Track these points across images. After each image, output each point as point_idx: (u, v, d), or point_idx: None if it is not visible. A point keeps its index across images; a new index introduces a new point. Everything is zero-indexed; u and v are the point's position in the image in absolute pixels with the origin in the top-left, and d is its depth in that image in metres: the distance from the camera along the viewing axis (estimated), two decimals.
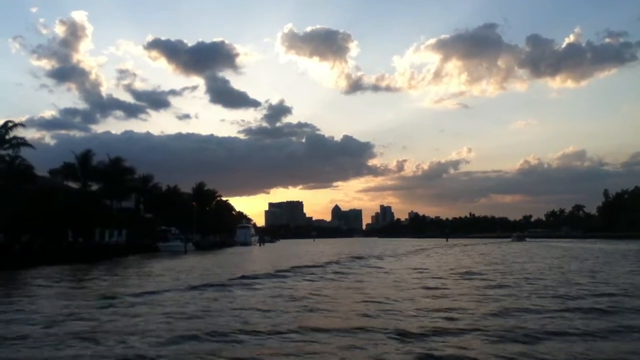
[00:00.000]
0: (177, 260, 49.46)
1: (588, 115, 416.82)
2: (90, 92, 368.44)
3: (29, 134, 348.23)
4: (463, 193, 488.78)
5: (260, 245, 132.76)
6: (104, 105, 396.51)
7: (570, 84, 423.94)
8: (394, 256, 54.51)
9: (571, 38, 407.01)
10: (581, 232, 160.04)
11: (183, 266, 39.71)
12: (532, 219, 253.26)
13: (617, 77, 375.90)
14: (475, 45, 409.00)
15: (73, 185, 70.91)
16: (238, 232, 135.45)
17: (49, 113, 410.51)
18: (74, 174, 69.44)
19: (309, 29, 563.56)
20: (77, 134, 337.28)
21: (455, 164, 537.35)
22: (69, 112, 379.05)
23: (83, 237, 56.74)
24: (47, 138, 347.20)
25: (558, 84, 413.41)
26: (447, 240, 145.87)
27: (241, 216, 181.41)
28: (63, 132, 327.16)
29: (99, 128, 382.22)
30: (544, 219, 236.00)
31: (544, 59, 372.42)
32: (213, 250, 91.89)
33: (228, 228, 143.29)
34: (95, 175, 71.22)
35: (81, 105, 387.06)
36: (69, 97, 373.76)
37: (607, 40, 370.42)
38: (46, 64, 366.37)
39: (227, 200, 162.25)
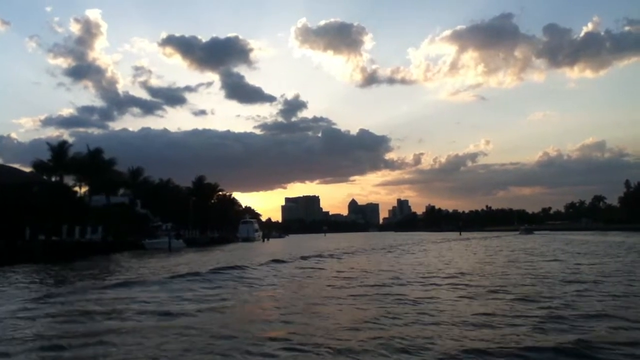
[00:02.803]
0: (138, 262, 44.12)
1: (608, 106, 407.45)
2: (107, 90, 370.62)
3: (48, 132, 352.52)
4: (481, 186, 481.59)
5: (264, 241, 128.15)
6: (121, 103, 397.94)
7: (589, 73, 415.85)
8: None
9: (589, 27, 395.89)
10: (602, 224, 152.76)
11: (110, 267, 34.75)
12: (551, 211, 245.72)
13: (638, 66, 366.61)
14: (492, 35, 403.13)
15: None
16: (240, 227, 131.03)
17: (67, 111, 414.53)
18: (48, 166, 65.23)
19: (322, 22, 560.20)
20: (95, 131, 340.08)
21: (473, 156, 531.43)
22: (87, 109, 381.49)
23: (46, 234, 52.14)
24: (66, 136, 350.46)
25: (576, 74, 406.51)
26: (460, 234, 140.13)
27: (248, 211, 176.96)
28: (81, 130, 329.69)
29: (116, 125, 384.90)
30: (563, 210, 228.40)
31: (561, 48, 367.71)
32: (207, 247, 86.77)
33: (232, 223, 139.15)
34: (72, 167, 66.91)
35: (98, 102, 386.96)
36: (86, 95, 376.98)
37: (627, 28, 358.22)
38: (62, 63, 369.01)
39: (230, 195, 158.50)
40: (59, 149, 66.11)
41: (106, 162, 70.73)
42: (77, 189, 72.26)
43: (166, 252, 62.07)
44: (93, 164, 68.03)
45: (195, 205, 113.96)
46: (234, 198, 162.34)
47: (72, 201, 60.52)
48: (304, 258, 40.79)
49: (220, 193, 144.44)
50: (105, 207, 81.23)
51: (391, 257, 42.26)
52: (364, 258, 42.64)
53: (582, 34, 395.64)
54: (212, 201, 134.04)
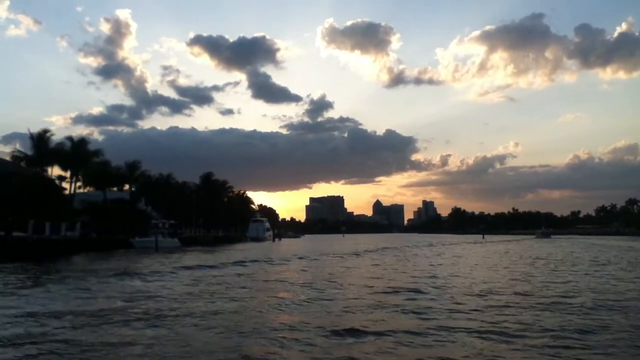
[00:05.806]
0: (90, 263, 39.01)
1: None
2: (136, 89, 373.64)
3: (79, 130, 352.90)
4: (509, 188, 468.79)
5: (274, 241, 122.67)
6: (150, 102, 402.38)
7: (622, 75, 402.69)
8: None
9: (623, 27, 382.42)
10: (635, 229, 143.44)
11: None
12: (581, 215, 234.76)
13: None
14: (522, 36, 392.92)
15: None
16: (250, 226, 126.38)
17: (97, 110, 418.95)
18: (26, 156, 60.73)
19: (349, 22, 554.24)
20: (124, 129, 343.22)
21: (501, 158, 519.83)
22: (116, 108, 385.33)
23: (7, 230, 47.23)
24: (96, 134, 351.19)
25: (609, 75, 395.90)
26: (483, 237, 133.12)
27: (262, 210, 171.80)
28: (111, 128, 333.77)
29: (145, 124, 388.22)
30: (593, 214, 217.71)
31: (594, 49, 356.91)
32: (208, 246, 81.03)
33: (244, 222, 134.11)
34: (53, 158, 62.32)
35: (127, 101, 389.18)
36: (116, 94, 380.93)
37: None
38: (92, 62, 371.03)
39: (244, 193, 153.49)
40: (39, 138, 61.46)
41: (90, 153, 65.79)
42: (78, 183, 68.66)
43: (150, 253, 56.74)
44: (76, 154, 63.16)
45: (201, 203, 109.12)
46: (247, 196, 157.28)
47: (48, 194, 55.43)
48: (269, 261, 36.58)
49: (234, 191, 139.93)
50: (103, 202, 76.83)
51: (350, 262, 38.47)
52: (336, 261, 39.84)
53: (615, 34, 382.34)
54: (225, 199, 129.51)
